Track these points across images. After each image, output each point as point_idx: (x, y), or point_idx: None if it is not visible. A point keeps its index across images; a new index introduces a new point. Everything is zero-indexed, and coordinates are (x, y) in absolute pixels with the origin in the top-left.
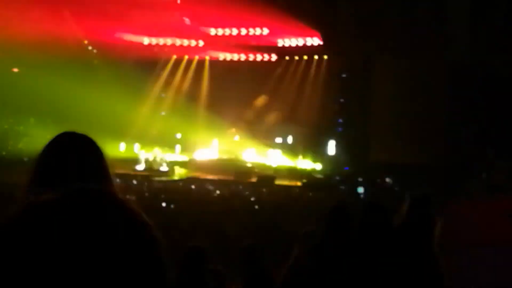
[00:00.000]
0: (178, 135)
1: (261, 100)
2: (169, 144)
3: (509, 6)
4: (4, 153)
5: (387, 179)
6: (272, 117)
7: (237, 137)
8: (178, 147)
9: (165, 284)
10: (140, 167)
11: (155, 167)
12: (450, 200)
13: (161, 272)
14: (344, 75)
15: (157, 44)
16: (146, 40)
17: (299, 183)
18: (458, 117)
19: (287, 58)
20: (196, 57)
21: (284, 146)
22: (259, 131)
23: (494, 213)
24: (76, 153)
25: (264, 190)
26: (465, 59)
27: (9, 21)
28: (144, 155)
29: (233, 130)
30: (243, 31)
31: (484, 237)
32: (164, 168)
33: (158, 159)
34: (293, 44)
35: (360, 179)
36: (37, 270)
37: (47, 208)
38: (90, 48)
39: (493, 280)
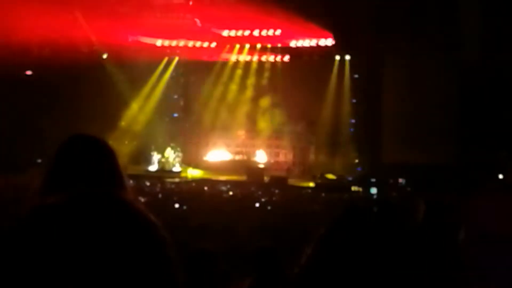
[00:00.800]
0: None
1: (272, 101)
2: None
3: None
4: None
5: (400, 180)
6: (283, 117)
7: (248, 138)
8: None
9: (172, 281)
10: (153, 167)
11: (168, 167)
12: (468, 199)
13: (168, 270)
14: (356, 76)
15: (169, 46)
16: (159, 42)
17: (311, 184)
18: (470, 117)
19: (299, 59)
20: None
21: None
22: (270, 131)
23: None
24: (88, 156)
25: (276, 191)
26: (477, 59)
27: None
28: (157, 156)
29: (243, 131)
30: (256, 32)
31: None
32: (176, 168)
33: (170, 160)
34: (306, 45)
35: (372, 180)
36: (42, 269)
37: (54, 211)
38: (101, 51)
39: None
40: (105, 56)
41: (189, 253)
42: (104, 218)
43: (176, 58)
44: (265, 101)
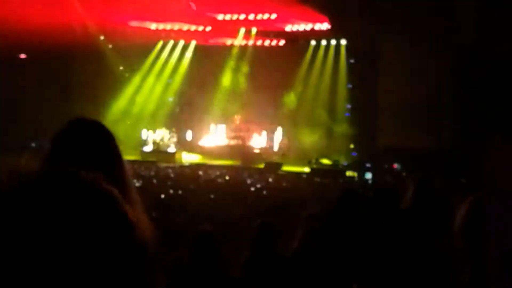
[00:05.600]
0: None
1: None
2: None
3: None
4: None
5: (395, 165)
6: (279, 102)
7: (243, 123)
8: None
9: (129, 261)
10: (148, 148)
11: (163, 148)
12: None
13: (122, 249)
14: (352, 61)
15: (164, 30)
16: (153, 26)
17: (307, 169)
18: (466, 101)
19: (295, 43)
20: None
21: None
22: (266, 115)
23: None
24: (87, 140)
25: (271, 175)
26: (474, 43)
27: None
28: (152, 136)
29: (239, 116)
30: (251, 17)
31: None
32: (171, 149)
33: (165, 140)
34: (301, 29)
35: (368, 165)
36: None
37: (17, 190)
38: (96, 34)
39: None
40: (102, 37)
41: (186, 235)
42: (59, 198)
43: (171, 41)
44: (259, 86)
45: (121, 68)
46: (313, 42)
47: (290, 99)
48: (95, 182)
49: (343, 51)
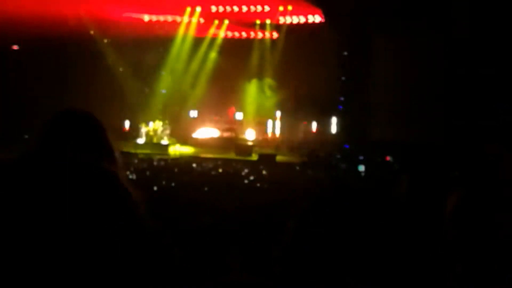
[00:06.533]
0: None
1: (261, 78)
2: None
3: None
4: None
5: (388, 158)
6: (274, 94)
7: (238, 114)
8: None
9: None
10: (141, 140)
11: (156, 140)
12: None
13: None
14: (345, 54)
15: (157, 21)
16: (146, 18)
17: (300, 161)
18: (458, 94)
19: (288, 35)
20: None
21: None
22: (261, 107)
23: None
24: (76, 130)
25: (265, 167)
26: (466, 37)
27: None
28: (145, 129)
29: (233, 107)
30: (244, 8)
31: None
32: (164, 141)
33: (158, 133)
34: (295, 22)
35: (360, 157)
36: None
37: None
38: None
39: None
40: (92, 32)
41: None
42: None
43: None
44: (254, 79)
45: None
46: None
47: (282, 91)
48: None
49: (336, 43)
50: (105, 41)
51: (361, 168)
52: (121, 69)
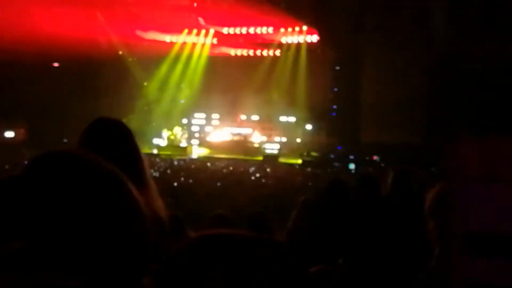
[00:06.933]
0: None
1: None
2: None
3: (484, 2)
4: None
5: (375, 157)
6: (277, 102)
7: (245, 118)
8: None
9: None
10: (163, 143)
11: (176, 143)
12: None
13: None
14: (337, 68)
15: (176, 42)
16: (167, 38)
17: (299, 161)
18: (438, 103)
19: (289, 53)
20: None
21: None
22: (266, 114)
23: None
24: (108, 137)
25: (269, 166)
26: (444, 54)
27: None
28: (166, 133)
29: (242, 114)
30: (251, 30)
31: None
32: (183, 144)
33: (178, 137)
34: (295, 41)
35: (351, 157)
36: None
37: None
38: (119, 46)
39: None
40: (120, 52)
41: (195, 218)
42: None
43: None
44: (262, 91)
45: (144, 82)
46: (304, 52)
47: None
48: (98, 161)
49: (330, 60)
50: (131, 59)
51: (352, 166)
52: (145, 83)
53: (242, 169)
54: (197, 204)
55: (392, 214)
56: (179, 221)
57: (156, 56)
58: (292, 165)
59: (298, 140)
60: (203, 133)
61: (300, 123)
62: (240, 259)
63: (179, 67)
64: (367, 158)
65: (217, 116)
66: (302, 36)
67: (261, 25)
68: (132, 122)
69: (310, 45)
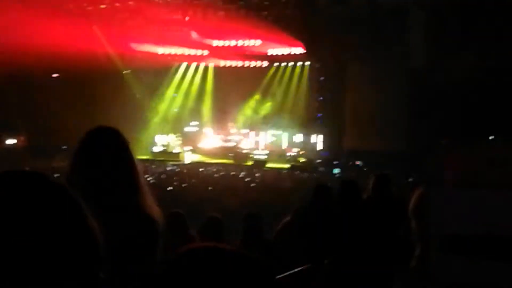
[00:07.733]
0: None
1: (256, 98)
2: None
3: (460, 19)
4: None
5: (358, 162)
6: (264, 112)
7: (235, 128)
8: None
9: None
10: (157, 149)
11: (169, 150)
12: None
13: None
14: (322, 78)
15: (169, 54)
16: (160, 50)
17: (286, 166)
18: (417, 112)
19: (275, 64)
20: (202, 64)
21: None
22: (255, 123)
23: None
24: (105, 144)
25: (258, 171)
26: (422, 65)
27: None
28: (161, 140)
29: (232, 123)
30: (240, 42)
31: None
32: (176, 150)
33: (171, 143)
34: (281, 53)
35: (335, 162)
36: None
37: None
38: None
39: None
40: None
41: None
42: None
43: (183, 64)
44: (250, 100)
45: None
46: (290, 63)
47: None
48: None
49: (315, 71)
50: (125, 72)
51: (336, 171)
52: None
53: (232, 174)
54: (190, 207)
55: (373, 216)
56: (181, 218)
57: (150, 68)
58: (280, 170)
59: (285, 146)
60: (195, 140)
61: (287, 130)
62: (219, 277)
63: (173, 78)
64: (351, 163)
65: (209, 125)
66: (287, 48)
67: (249, 38)
68: (128, 129)
69: (295, 57)
